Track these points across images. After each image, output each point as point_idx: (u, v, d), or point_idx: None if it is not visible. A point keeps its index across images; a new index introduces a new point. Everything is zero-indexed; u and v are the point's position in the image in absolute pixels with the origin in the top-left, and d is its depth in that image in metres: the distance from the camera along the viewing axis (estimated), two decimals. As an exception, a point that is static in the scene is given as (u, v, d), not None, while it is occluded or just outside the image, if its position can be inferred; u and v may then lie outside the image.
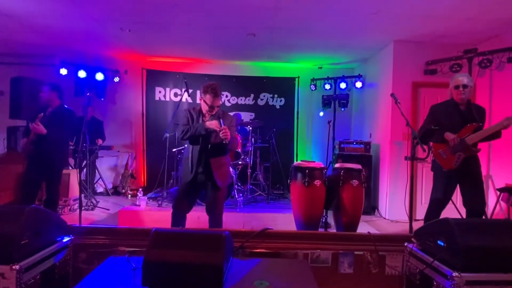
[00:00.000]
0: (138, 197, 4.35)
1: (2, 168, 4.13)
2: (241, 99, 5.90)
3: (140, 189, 4.60)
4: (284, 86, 5.89)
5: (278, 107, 5.90)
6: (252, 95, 5.89)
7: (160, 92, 5.85)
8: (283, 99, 5.90)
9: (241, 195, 4.39)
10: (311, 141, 6.04)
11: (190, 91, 5.65)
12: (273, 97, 5.90)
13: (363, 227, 3.67)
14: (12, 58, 5.52)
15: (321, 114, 5.91)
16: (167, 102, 5.84)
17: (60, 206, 4.04)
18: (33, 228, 1.68)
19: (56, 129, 3.31)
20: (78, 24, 4.17)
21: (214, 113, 2.56)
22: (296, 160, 5.57)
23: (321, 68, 5.92)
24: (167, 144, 4.77)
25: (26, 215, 1.65)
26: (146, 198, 4.37)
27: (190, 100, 5.74)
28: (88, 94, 3.43)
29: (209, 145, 2.52)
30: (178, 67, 5.88)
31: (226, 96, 5.89)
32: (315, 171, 3.10)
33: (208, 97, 2.53)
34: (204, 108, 2.57)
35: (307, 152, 6.01)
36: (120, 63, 5.83)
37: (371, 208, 4.67)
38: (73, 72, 5.44)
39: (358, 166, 3.18)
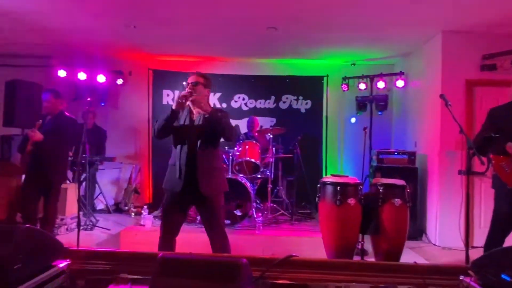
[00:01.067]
0: (142, 216, 4.42)
1: (-5, 181, 4.33)
2: (260, 102, 5.94)
3: (145, 207, 4.68)
4: (310, 87, 5.88)
5: (303, 111, 5.89)
6: (272, 98, 5.92)
7: (168, 95, 5.99)
8: (309, 101, 5.89)
9: (260, 214, 4.38)
10: (343, 151, 5.98)
11: (202, 93, 5.75)
12: (297, 100, 5.89)
13: (408, 256, 3.61)
14: (6, 59, 5.82)
15: (353, 120, 5.85)
16: (176, 107, 5.99)
17: (56, 225, 4.17)
18: (26, 251, 1.72)
19: (56, 140, 3.43)
20: (78, 21, 4.35)
21: (202, 109, 2.50)
22: (326, 174, 5.56)
23: (354, 64, 5.86)
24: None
25: (19, 236, 1.69)
26: (152, 217, 4.44)
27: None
28: (89, 99, 3.57)
29: (198, 143, 2.46)
30: (188, 67, 5.99)
31: (243, 99, 5.95)
32: (349, 188, 3.08)
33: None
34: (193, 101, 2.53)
35: (338, 164, 5.94)
36: (123, 63, 6.03)
37: (418, 232, 4.55)
38: (72, 74, 5.68)
39: (401, 182, 3.14)
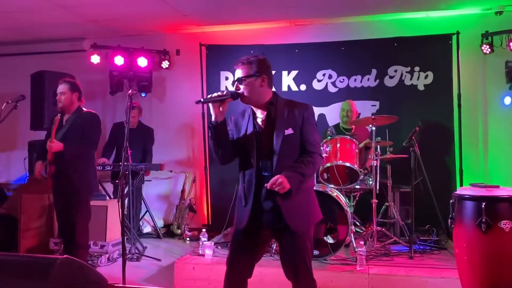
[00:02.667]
0: (200, 242, 4.54)
1: (25, 199, 4.85)
2: (355, 80, 5.80)
3: (203, 230, 4.81)
4: (431, 51, 5.63)
5: (421, 88, 5.66)
6: (374, 72, 5.73)
7: (227, 78, 6.12)
8: (430, 73, 5.63)
9: (361, 242, 4.23)
10: (487, 148, 5.65)
11: (273, 72, 5.72)
12: (411, 72, 5.66)
13: None
14: (32, 47, 6.56)
15: (507, 101, 5.48)
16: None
17: (95, 254, 4.53)
18: (67, 289, 1.85)
19: (76, 143, 3.74)
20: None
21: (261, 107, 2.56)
22: (461, 183, 5.35)
23: (500, 13, 5.56)
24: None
25: (56, 271, 1.80)
26: (213, 244, 4.55)
27: (272, 89, 5.82)
28: (130, 92, 3.76)
29: (273, 154, 2.48)
30: (253, 37, 6.07)
31: (330, 77, 5.85)
32: (501, 204, 2.97)
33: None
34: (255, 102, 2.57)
35: (482, 167, 5.67)
36: (169, 40, 6.36)
37: None
38: (107, 59, 6.15)
39: None
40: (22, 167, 5.63)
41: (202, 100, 2.50)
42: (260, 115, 2.57)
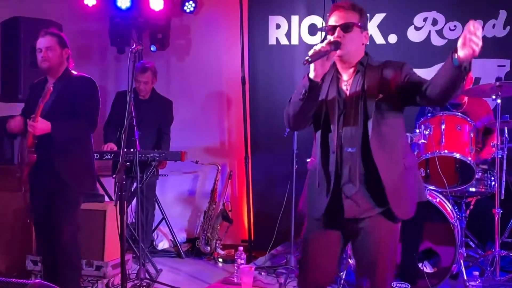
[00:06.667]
0: (237, 266, 4.63)
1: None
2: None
3: (241, 248, 4.87)
4: None
5: None
6: (503, 14, 5.67)
7: (279, 26, 6.12)
8: None
9: (477, 273, 4.18)
10: None
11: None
12: None
13: None
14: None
15: None
16: (295, 48, 6.01)
17: (88, 279, 4.65)
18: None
19: (68, 122, 3.82)
20: None
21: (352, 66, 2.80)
22: None
23: None
24: (295, 145, 4.91)
25: None
26: (254, 268, 4.61)
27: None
28: (133, 47, 3.77)
29: (360, 132, 2.72)
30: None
31: (434, 23, 5.80)
32: None
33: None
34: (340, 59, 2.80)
35: None
36: (195, -30, 6.35)
37: None
38: (107, 1, 6.19)
39: None
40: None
41: (309, 58, 2.56)
42: (346, 77, 2.82)
